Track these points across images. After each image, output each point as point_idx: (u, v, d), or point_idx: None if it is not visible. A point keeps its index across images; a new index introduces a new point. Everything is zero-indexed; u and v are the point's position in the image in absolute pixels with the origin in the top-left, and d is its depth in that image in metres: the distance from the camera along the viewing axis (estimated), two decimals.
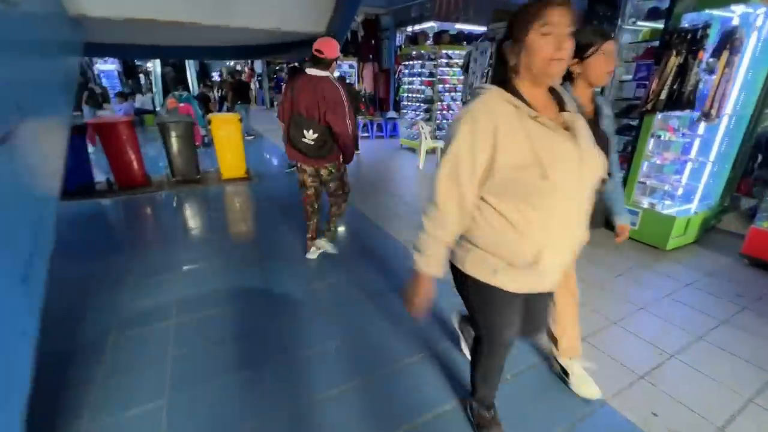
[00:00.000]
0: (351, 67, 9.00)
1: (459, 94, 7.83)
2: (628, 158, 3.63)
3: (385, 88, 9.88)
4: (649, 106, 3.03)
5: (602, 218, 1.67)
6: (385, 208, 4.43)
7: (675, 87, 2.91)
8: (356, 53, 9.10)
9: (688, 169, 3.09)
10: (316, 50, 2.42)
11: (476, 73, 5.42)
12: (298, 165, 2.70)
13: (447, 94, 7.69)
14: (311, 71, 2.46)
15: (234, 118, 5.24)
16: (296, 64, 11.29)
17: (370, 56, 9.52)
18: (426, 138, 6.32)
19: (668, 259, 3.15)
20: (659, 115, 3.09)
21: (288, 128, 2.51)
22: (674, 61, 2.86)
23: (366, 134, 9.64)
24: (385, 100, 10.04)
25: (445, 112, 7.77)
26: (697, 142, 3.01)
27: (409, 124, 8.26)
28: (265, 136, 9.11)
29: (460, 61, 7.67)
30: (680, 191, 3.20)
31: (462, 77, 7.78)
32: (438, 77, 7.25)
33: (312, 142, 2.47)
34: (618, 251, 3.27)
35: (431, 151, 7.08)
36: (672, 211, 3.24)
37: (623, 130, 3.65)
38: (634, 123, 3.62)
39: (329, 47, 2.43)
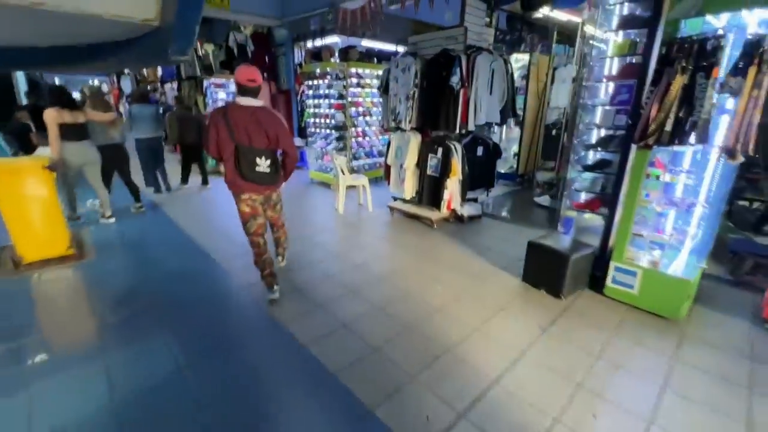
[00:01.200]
0: None
1: (376, 119, 6.83)
2: (607, 201, 2.87)
3: (287, 111, 8.43)
4: (651, 140, 2.26)
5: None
6: (303, 283, 3.01)
7: (681, 114, 2.18)
8: None
9: (697, 215, 2.41)
10: (248, 80, 2.44)
11: (399, 95, 4.42)
12: (242, 198, 2.64)
13: (361, 118, 6.61)
14: (245, 101, 2.48)
15: (36, 164, 3.25)
16: (159, 94, 9.16)
17: (265, 75, 8.00)
18: (343, 173, 5.07)
19: (679, 333, 2.40)
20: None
21: (236, 162, 2.49)
22: (680, 81, 2.13)
23: None
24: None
25: (360, 139, 6.65)
26: (706, 182, 2.33)
27: (319, 155, 6.93)
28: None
29: (373, 81, 6.70)
30: (687, 243, 2.51)
31: (378, 99, 6.83)
32: (349, 99, 6.13)
33: (267, 169, 2.56)
34: (612, 322, 2.43)
35: (351, 188, 5.87)
36: (678, 269, 2.52)
37: (598, 166, 2.91)
38: (609, 157, 2.90)
39: (257, 74, 2.49)
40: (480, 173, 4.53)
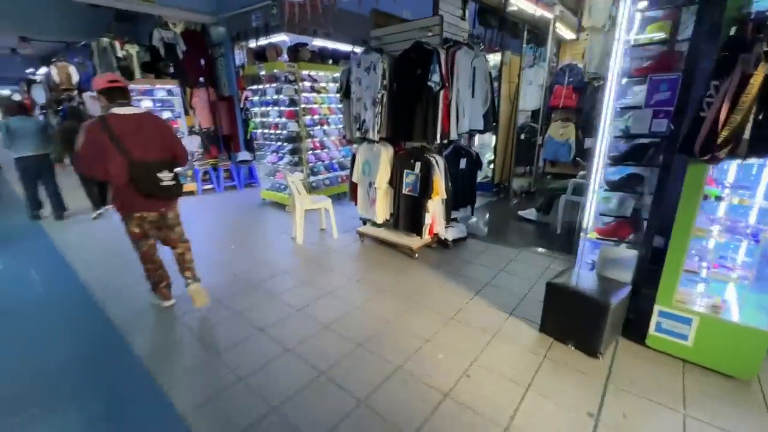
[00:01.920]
0: (172, 93, 6.21)
1: (334, 128, 5.99)
2: (639, 227, 2.28)
3: (230, 121, 7.34)
4: (722, 153, 1.66)
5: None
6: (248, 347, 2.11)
7: (761, 117, 1.61)
8: (177, 74, 6.37)
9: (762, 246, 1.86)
10: (109, 81, 2.27)
11: (363, 99, 3.64)
12: (131, 216, 2.42)
13: (318, 127, 5.74)
14: (124, 110, 2.28)
15: None
16: (76, 103, 7.73)
17: (201, 79, 6.88)
18: (299, 193, 4.18)
19: (762, 402, 1.83)
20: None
21: (131, 179, 2.24)
22: (764, 72, 1.55)
23: (210, 185, 6.85)
24: (231, 137, 7.46)
25: (318, 151, 5.78)
26: None
27: (271, 171, 5.96)
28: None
29: (330, 85, 5.87)
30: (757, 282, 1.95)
31: (337, 105, 6.01)
32: (303, 106, 5.25)
33: (172, 182, 2.39)
34: (674, 392, 1.81)
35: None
36: (748, 316, 1.95)
37: (627, 185, 2.31)
38: (636, 170, 2.32)
39: (115, 75, 2.37)
40: (463, 188, 3.86)
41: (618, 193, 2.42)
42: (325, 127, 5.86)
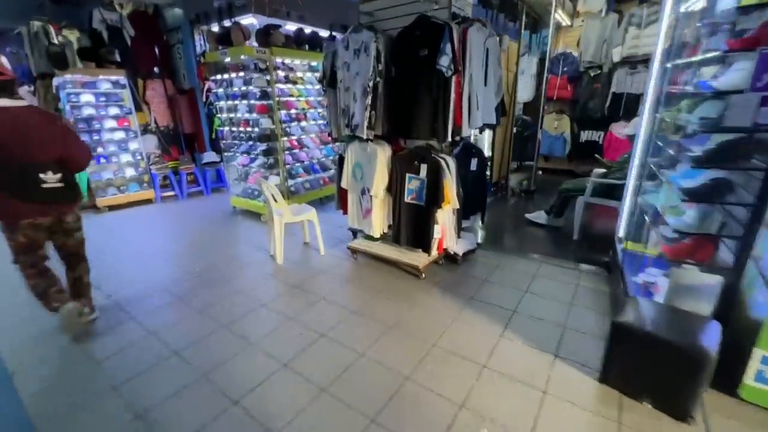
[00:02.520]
0: (119, 85, 5.29)
1: (314, 123, 5.28)
2: (723, 246, 1.78)
3: (192, 118, 6.45)
4: None
5: None
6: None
7: None
8: (124, 63, 5.43)
9: None
10: None
11: (353, 88, 2.99)
12: (20, 225, 2.13)
13: (295, 124, 5.02)
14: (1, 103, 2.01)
15: None
16: None
17: (155, 69, 5.95)
18: (274, 200, 3.48)
19: None
20: None
21: (6, 183, 2.03)
22: None
23: (171, 192, 5.98)
24: (195, 136, 6.57)
25: (297, 151, 5.07)
26: None
27: (242, 174, 5.19)
28: None
29: (308, 75, 5.15)
30: None
31: (318, 97, 5.30)
32: (277, 99, 4.52)
33: (59, 184, 2.17)
34: None
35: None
36: None
37: (710, 194, 1.80)
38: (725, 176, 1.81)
39: (4, 64, 2.28)
40: (474, 194, 3.30)
41: (694, 204, 1.91)
42: (304, 123, 5.15)
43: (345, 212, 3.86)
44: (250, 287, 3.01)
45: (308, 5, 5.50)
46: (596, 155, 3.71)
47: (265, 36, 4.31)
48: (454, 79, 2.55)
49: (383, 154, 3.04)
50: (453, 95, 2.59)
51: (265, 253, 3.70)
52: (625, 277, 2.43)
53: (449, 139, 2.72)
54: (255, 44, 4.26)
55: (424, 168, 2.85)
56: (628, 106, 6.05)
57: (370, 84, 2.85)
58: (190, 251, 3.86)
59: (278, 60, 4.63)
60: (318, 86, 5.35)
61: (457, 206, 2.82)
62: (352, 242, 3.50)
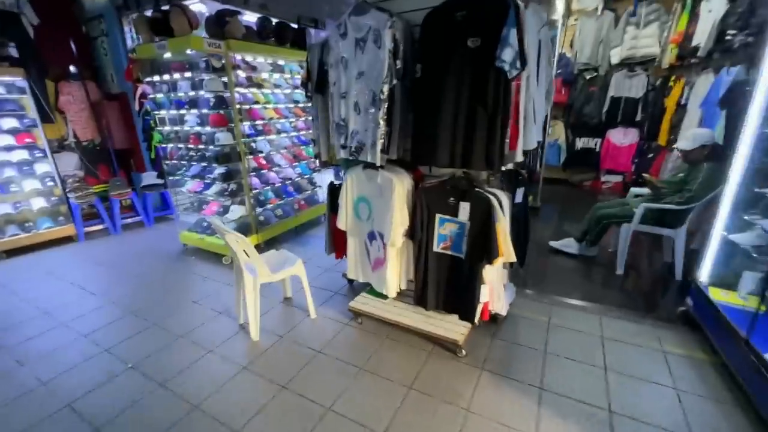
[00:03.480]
0: (15, 89, 3.95)
1: (285, 137, 4.30)
2: None
3: (126, 130, 5.16)
4: None
5: None
6: None
7: None
8: (24, 60, 4.10)
9: None
10: None
11: (353, 94, 2.10)
12: None
13: (261, 138, 4.00)
14: None
15: None
16: None
17: (72, 68, 4.62)
18: (247, 255, 2.46)
19: None
20: None
21: None
22: None
23: (100, 225, 4.69)
24: (130, 152, 5.28)
25: (265, 171, 4.05)
26: None
27: (194, 203, 4.08)
28: None
29: (275, 77, 4.17)
30: None
31: (288, 104, 4.30)
32: (239, 107, 3.49)
33: None
34: None
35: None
36: None
37: None
38: None
39: None
40: (518, 234, 2.52)
41: None
42: (273, 136, 4.13)
43: (339, 257, 2.95)
44: (211, 398, 2.00)
45: None
46: (644, 174, 3.10)
47: (219, 25, 3.27)
48: (513, 83, 1.75)
49: (402, 185, 2.17)
50: (512, 105, 1.78)
51: (232, 320, 2.69)
52: (734, 342, 1.76)
53: (500, 166, 1.90)
54: (205, 36, 3.22)
55: (465, 208, 2.01)
56: (626, 111, 5.68)
57: (384, 89, 1.98)
58: (120, 320, 2.74)
59: (237, 57, 3.60)
60: (288, 90, 4.36)
61: (513, 259, 2.02)
62: (356, 301, 2.59)
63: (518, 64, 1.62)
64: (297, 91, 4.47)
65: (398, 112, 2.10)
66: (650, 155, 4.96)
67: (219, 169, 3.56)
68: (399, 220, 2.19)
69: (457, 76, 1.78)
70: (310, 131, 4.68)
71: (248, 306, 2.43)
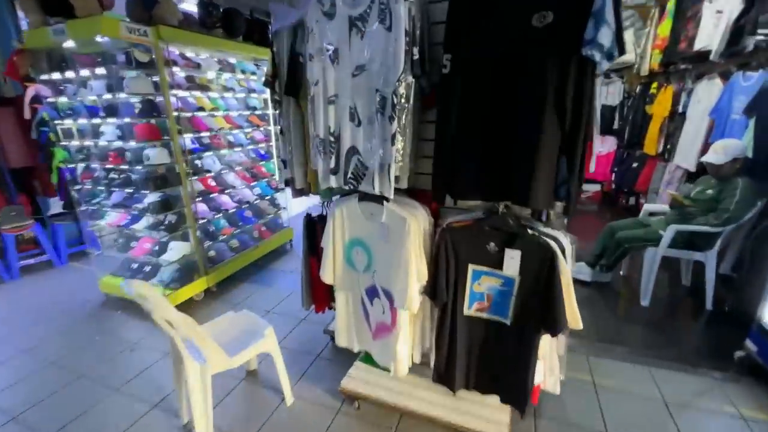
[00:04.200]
0: None
1: (239, 151, 3.52)
2: None
3: (26, 146, 4.02)
4: None
5: None
6: None
7: None
8: None
9: None
10: None
11: (347, 97, 1.45)
12: None
13: (209, 154, 3.18)
14: None
15: None
16: None
17: None
18: (170, 324, 1.68)
19: None
20: None
21: None
22: None
23: None
24: (32, 172, 4.13)
25: (215, 195, 3.22)
26: None
27: (118, 241, 3.15)
28: None
29: (225, 77, 3.39)
30: None
31: (243, 111, 3.51)
32: (177, 115, 2.67)
33: None
34: None
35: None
36: None
37: None
38: None
39: None
40: None
41: None
42: (224, 151, 3.33)
43: (319, 310, 2.26)
44: None
45: None
46: (671, 192, 2.74)
47: (145, 5, 2.45)
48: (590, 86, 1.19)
49: (417, 225, 1.54)
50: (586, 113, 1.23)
51: (171, 418, 1.88)
52: None
53: (566, 199, 1.34)
54: (125, 19, 2.39)
55: (513, 257, 1.42)
56: (603, 118, 5.54)
57: (400, 89, 1.34)
58: (11, 426, 1.81)
59: (173, 50, 2.78)
60: (242, 94, 3.57)
61: (580, 326, 1.46)
62: (350, 377, 1.90)
63: (616, 51, 1.07)
64: (253, 95, 3.70)
65: (412, 125, 1.48)
66: (634, 164, 4.78)
67: (151, 196, 2.70)
68: (415, 274, 1.55)
69: (514, 69, 1.20)
70: (272, 144, 3.92)
71: (193, 403, 1.65)
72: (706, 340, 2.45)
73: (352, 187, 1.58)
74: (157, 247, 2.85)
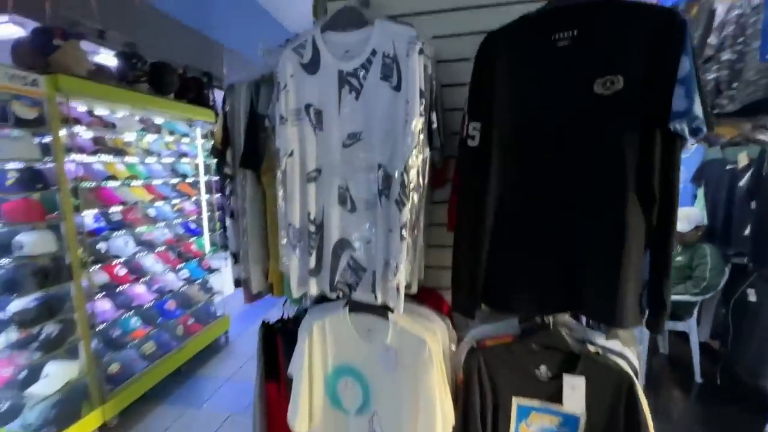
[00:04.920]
0: None
1: (163, 226, 2.85)
2: None
3: None
4: None
5: None
6: None
7: None
8: None
9: None
10: None
11: (336, 173, 1.06)
12: None
13: (121, 233, 2.47)
14: None
15: None
16: None
17: None
18: None
19: None
20: None
21: None
22: None
23: None
24: None
25: (126, 286, 2.44)
26: None
27: None
28: None
29: (151, 138, 2.83)
30: None
31: (170, 180, 2.90)
32: (77, 185, 2.00)
33: None
34: None
35: None
36: None
37: None
38: None
39: None
40: None
41: None
42: (142, 228, 2.63)
43: None
44: None
45: (111, 18, 3.09)
46: None
47: (42, 49, 1.88)
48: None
49: (438, 345, 1.10)
50: None
51: None
52: None
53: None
54: (5, 63, 1.78)
55: (576, 386, 1.03)
56: None
57: (411, 168, 0.98)
58: None
59: (76, 107, 2.17)
60: (171, 158, 2.98)
61: None
62: None
63: (704, 126, 0.84)
64: (184, 160, 3.12)
65: (423, 208, 1.11)
66: None
67: (19, 302, 1.87)
68: (440, 416, 1.07)
69: (572, 144, 0.92)
70: (203, 216, 3.28)
71: None
72: (708, 419, 2.24)
73: (342, 295, 1.12)
74: (23, 375, 1.94)
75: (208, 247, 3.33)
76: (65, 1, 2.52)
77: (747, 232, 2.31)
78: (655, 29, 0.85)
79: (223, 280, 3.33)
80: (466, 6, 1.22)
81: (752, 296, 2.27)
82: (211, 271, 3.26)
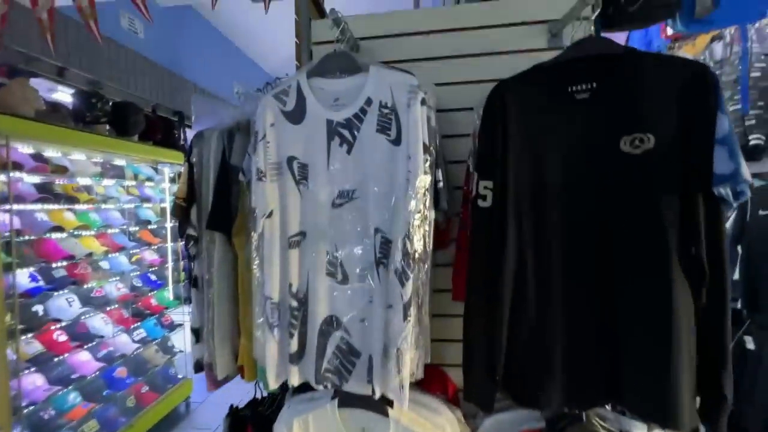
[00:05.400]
0: None
1: (117, 281, 2.52)
2: None
3: None
4: None
5: None
6: None
7: None
8: None
9: None
10: None
11: (326, 240, 0.89)
12: None
13: (64, 293, 2.13)
14: None
15: None
16: None
17: None
18: None
19: None
20: None
21: None
22: None
23: None
24: None
25: (65, 356, 2.07)
26: None
27: None
28: None
29: (109, 183, 2.58)
30: None
31: (133, 227, 2.61)
32: (11, 239, 1.70)
33: None
34: None
35: None
36: None
37: None
38: None
39: None
40: None
41: None
42: (91, 283, 2.29)
43: None
44: None
45: (73, 53, 2.86)
46: None
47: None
48: None
49: None
50: None
51: None
52: None
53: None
54: None
55: None
56: None
57: (413, 233, 0.83)
58: None
59: (20, 149, 1.92)
60: (131, 204, 2.71)
61: None
62: None
63: (748, 190, 0.74)
64: (146, 205, 2.85)
65: (428, 279, 0.95)
66: None
67: None
68: None
69: (607, 210, 0.80)
70: (168, 265, 2.97)
71: None
72: None
73: (331, 385, 0.91)
74: None
75: (171, 299, 2.99)
76: (21, 37, 2.34)
77: (736, 275, 2.29)
78: (684, 85, 0.77)
79: (186, 336, 2.96)
80: (464, 54, 1.14)
81: (750, 344, 2.20)
82: (172, 327, 2.90)
